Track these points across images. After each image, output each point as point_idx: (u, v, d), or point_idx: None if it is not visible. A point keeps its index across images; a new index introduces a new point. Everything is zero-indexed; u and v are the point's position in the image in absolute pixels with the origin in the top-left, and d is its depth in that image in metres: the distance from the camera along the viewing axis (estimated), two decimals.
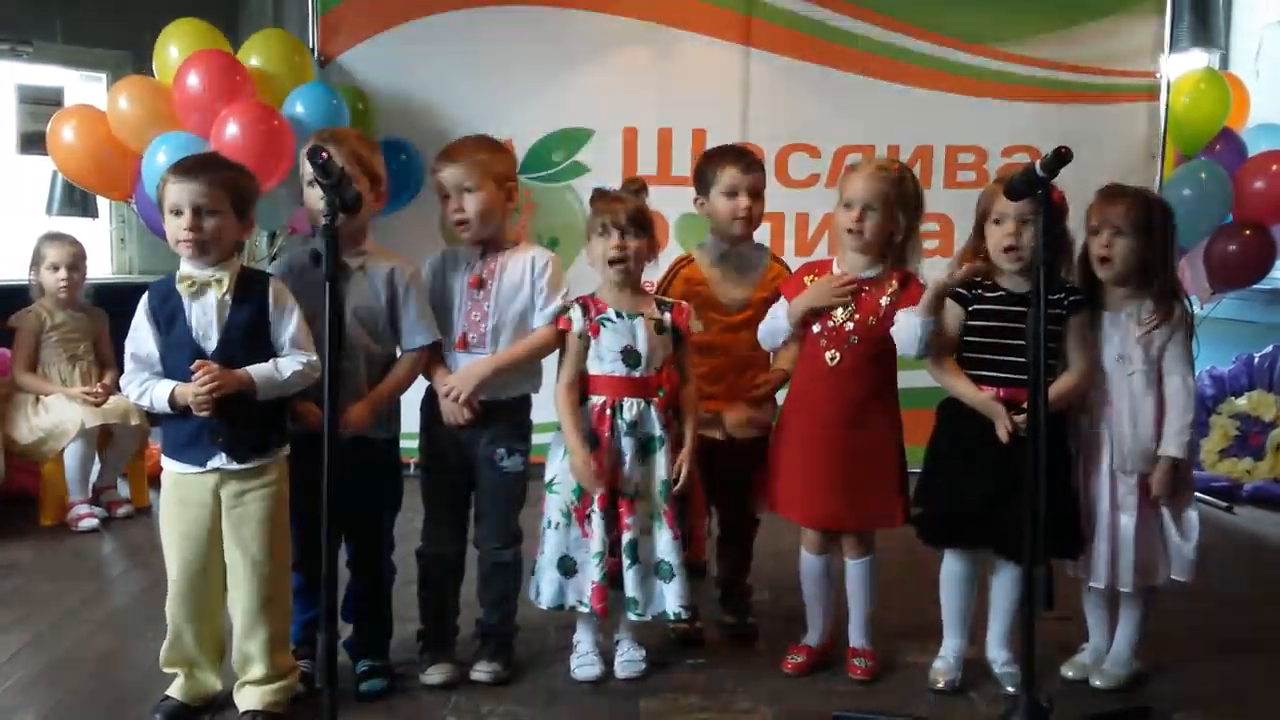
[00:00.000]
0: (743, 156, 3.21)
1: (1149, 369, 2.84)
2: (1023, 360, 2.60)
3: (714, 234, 3.22)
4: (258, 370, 2.59)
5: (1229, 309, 5.25)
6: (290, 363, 2.63)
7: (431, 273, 2.98)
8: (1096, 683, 2.96)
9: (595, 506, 2.86)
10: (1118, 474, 2.86)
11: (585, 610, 2.92)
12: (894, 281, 2.91)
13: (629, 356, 2.88)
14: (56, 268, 4.44)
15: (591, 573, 2.88)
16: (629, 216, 2.88)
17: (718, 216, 3.18)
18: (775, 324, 3.00)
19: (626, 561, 2.87)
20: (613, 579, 2.89)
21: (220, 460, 2.60)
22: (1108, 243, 2.84)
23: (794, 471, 2.98)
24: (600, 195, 2.97)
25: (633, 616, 2.92)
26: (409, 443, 3.02)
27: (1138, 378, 2.84)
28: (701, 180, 3.22)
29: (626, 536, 2.87)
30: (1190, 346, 2.90)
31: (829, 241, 3.05)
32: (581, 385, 2.93)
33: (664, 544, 2.89)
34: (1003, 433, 2.77)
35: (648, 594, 2.90)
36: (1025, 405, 2.65)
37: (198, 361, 2.53)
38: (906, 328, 2.85)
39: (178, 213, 2.58)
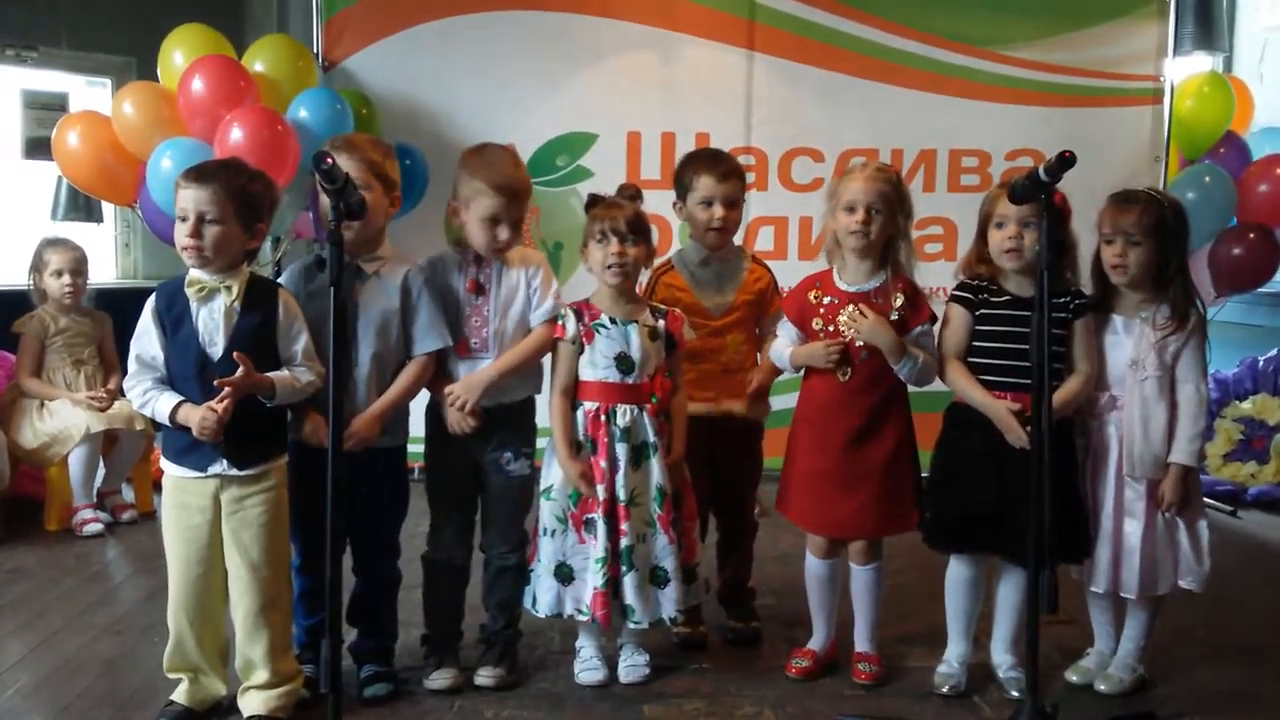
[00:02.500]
0: (718, 164, 3.19)
1: (1162, 374, 2.84)
2: (1029, 365, 2.60)
3: (693, 239, 3.23)
4: (279, 376, 2.61)
5: (1233, 313, 5.25)
6: (305, 373, 2.66)
7: (431, 277, 2.96)
8: (1101, 687, 2.96)
9: (598, 513, 2.86)
10: (1126, 480, 2.86)
11: (584, 618, 2.92)
12: (899, 293, 2.90)
13: (622, 363, 2.88)
14: (59, 273, 4.44)
15: (593, 579, 2.88)
16: (629, 223, 2.87)
17: (694, 224, 3.18)
18: (782, 359, 3.00)
19: (624, 568, 2.87)
20: (613, 586, 2.89)
21: (221, 466, 2.61)
22: (1121, 250, 2.83)
23: (806, 482, 2.98)
24: (597, 202, 2.97)
25: (631, 624, 2.92)
26: (415, 447, 3.03)
27: (1150, 383, 2.83)
28: (679, 185, 3.22)
29: (623, 543, 2.87)
30: (1204, 353, 2.89)
31: None
32: (574, 391, 2.94)
33: (660, 549, 2.90)
34: (1016, 442, 2.76)
35: (645, 600, 2.90)
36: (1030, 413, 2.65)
37: (224, 382, 2.51)
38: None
39: (183, 219, 2.59)
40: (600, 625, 2.92)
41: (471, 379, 2.90)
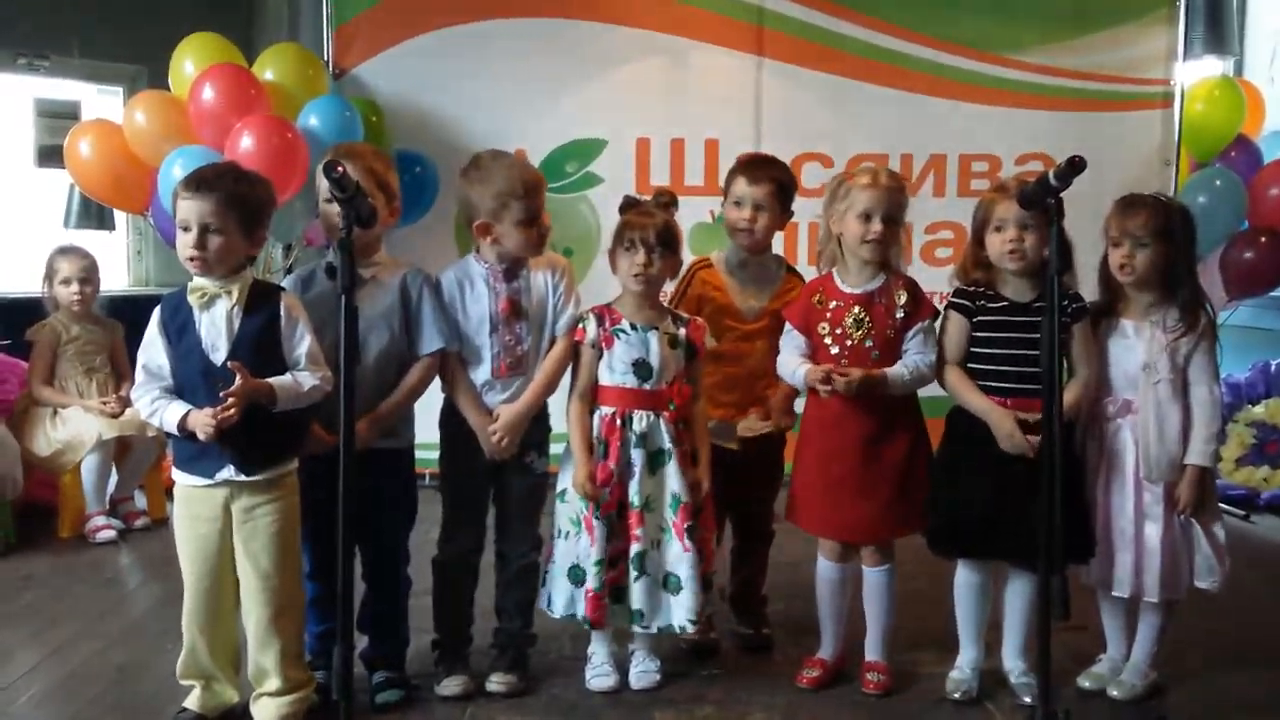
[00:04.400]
0: (754, 167, 3.20)
1: (1175, 377, 2.83)
2: (1030, 370, 2.63)
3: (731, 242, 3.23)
4: (279, 381, 2.60)
5: (1245, 316, 5.23)
6: (308, 377, 2.64)
7: (449, 288, 2.97)
8: (1114, 693, 2.95)
9: (598, 513, 2.86)
10: (1144, 483, 2.85)
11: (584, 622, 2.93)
12: (902, 290, 2.91)
13: (641, 369, 2.89)
14: (69, 281, 4.47)
15: (589, 581, 2.88)
16: (658, 235, 2.88)
17: (727, 224, 3.20)
18: (795, 376, 2.96)
19: (634, 574, 2.87)
20: (613, 591, 2.89)
21: (229, 472, 2.61)
22: (1129, 253, 2.83)
23: (818, 487, 2.96)
24: (631, 206, 2.98)
25: (638, 629, 2.92)
26: (424, 453, 3.03)
27: (1163, 386, 2.83)
28: (724, 187, 3.25)
29: (635, 548, 2.87)
30: (1215, 355, 2.89)
31: None
32: (592, 395, 2.94)
33: (673, 556, 2.89)
34: (1015, 449, 2.76)
35: (654, 606, 2.90)
36: (1033, 420, 2.67)
37: (229, 393, 2.51)
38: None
39: (185, 229, 2.60)
40: (593, 627, 2.92)
41: (514, 417, 2.91)
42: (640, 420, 2.88)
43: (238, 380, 2.52)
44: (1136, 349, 2.87)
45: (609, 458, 2.87)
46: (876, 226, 2.85)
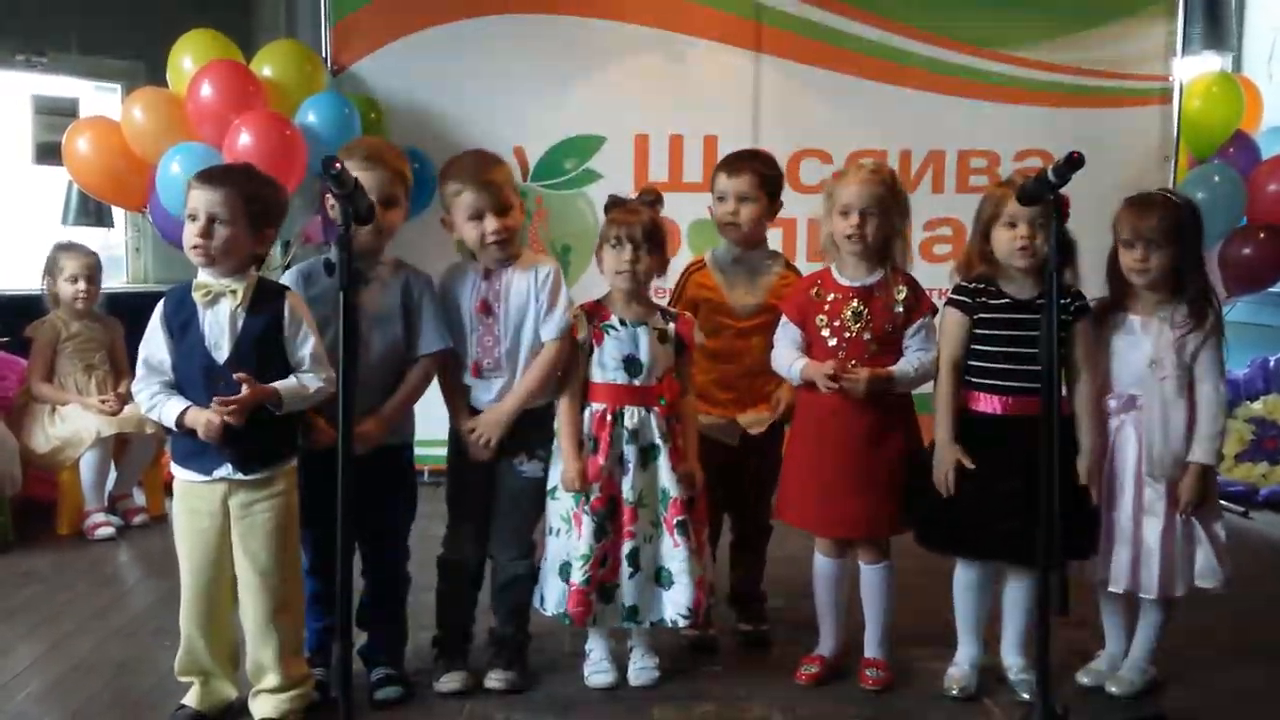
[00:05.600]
0: (730, 161, 3.22)
1: (1181, 374, 2.83)
2: (1031, 368, 2.62)
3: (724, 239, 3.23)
4: (285, 385, 2.60)
5: (1243, 312, 5.24)
6: (313, 379, 2.64)
7: (442, 290, 2.97)
8: (1112, 690, 2.95)
9: (588, 508, 2.86)
10: (1146, 479, 2.85)
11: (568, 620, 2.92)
12: (901, 285, 2.91)
13: (631, 365, 2.88)
14: (74, 279, 4.47)
15: (573, 575, 2.88)
16: (644, 232, 2.87)
17: (716, 223, 3.21)
18: (790, 370, 2.96)
19: (628, 570, 2.87)
20: (604, 591, 2.89)
21: (226, 470, 2.61)
22: (1143, 255, 2.82)
23: (812, 483, 2.96)
24: (616, 205, 2.97)
25: (630, 625, 2.92)
26: (423, 450, 3.03)
27: (1170, 383, 2.82)
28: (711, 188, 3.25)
29: (629, 545, 2.87)
30: (1222, 353, 2.88)
31: None
32: (582, 391, 2.94)
33: (665, 551, 2.90)
34: (942, 490, 2.83)
35: (647, 602, 2.90)
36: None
37: (230, 398, 2.52)
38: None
39: (193, 218, 2.59)
40: (573, 624, 2.92)
41: (493, 416, 2.90)
42: (631, 416, 2.88)
43: (243, 389, 2.52)
44: (1143, 345, 2.86)
45: (599, 454, 2.87)
46: (853, 220, 2.85)
